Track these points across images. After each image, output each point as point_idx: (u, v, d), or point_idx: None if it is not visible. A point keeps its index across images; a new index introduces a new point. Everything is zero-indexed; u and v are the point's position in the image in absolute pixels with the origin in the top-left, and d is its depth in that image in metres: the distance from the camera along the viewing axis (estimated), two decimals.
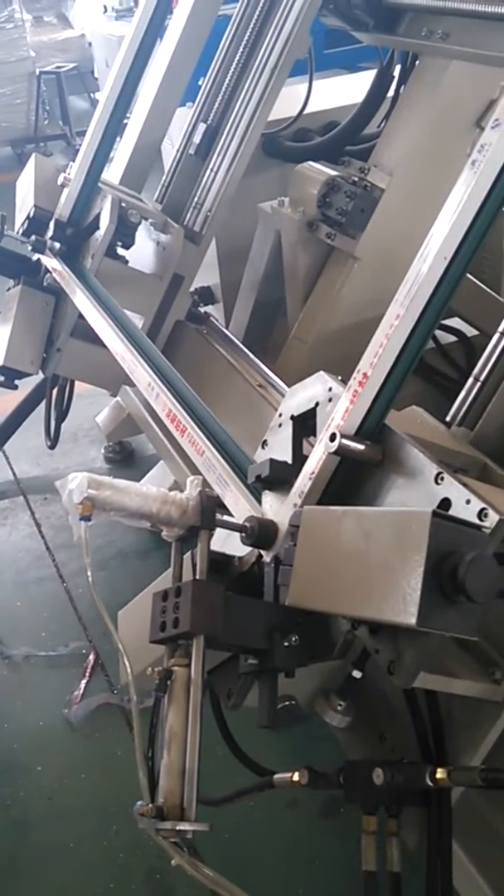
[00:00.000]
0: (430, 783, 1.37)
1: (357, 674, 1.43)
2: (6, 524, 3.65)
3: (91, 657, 2.95)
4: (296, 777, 1.49)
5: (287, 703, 1.53)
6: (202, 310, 3.13)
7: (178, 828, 1.24)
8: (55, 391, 3.19)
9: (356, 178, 2.71)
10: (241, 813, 2.34)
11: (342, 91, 3.45)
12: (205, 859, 1.31)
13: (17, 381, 2.94)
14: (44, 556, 3.44)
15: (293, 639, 1.41)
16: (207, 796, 1.59)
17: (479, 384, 1.81)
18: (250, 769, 1.72)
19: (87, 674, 2.90)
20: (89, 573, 1.44)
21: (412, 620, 1.11)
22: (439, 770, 1.36)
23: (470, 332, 3.13)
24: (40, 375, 3.05)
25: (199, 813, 1.29)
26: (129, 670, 1.38)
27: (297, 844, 2.33)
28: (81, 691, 2.83)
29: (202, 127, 2.90)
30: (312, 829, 2.36)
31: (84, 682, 2.87)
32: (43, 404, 3.29)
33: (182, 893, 2.24)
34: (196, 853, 1.33)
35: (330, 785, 1.49)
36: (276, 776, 1.54)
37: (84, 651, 2.98)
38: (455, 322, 3.15)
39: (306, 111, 3.17)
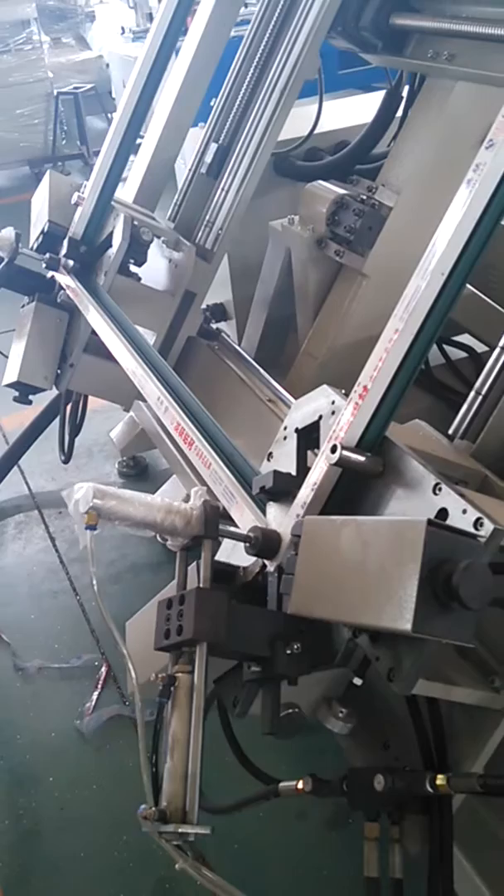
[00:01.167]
0: (430, 790, 1.39)
1: (358, 681, 1.45)
2: (21, 538, 3.70)
3: (103, 669, 2.98)
4: (300, 785, 1.52)
5: (290, 710, 1.55)
6: (214, 326, 3.18)
7: (180, 830, 1.26)
8: (69, 406, 3.23)
9: (364, 197, 2.74)
10: (250, 823, 2.36)
11: (352, 111, 3.49)
12: (212, 865, 1.34)
13: (31, 397, 2.99)
14: (58, 569, 3.49)
15: (295, 647, 1.43)
16: (214, 804, 1.62)
17: (480, 398, 1.84)
18: (256, 777, 1.75)
19: (100, 686, 2.93)
20: (94, 582, 1.47)
21: (408, 626, 1.14)
22: (439, 777, 1.38)
23: (480, 347, 3.16)
24: (54, 391, 3.10)
25: (206, 820, 1.31)
26: (134, 676, 1.42)
27: (305, 855, 2.34)
28: (93, 703, 2.86)
29: (213, 147, 2.95)
30: (320, 840, 2.37)
31: (96, 693, 2.90)
32: (57, 419, 3.34)
33: None
34: (203, 859, 1.36)
35: (333, 792, 1.51)
36: (282, 784, 1.56)
37: (96, 663, 3.01)
38: (465, 338, 3.19)
39: (317, 131, 3.21)
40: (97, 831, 2.48)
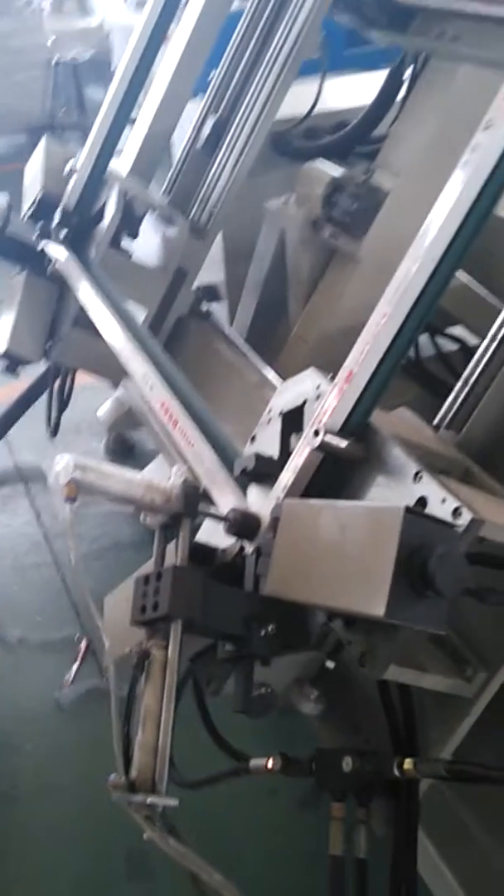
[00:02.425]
0: (397, 773, 1.41)
1: (330, 664, 1.47)
2: (6, 510, 3.70)
3: (83, 643, 2.99)
4: (270, 763, 1.53)
5: (263, 690, 1.56)
6: (205, 307, 3.16)
7: (148, 801, 1.28)
8: (57, 381, 3.22)
9: (362, 179, 2.72)
10: (222, 800, 2.38)
11: (354, 91, 3.45)
12: (183, 836, 1.35)
13: (19, 370, 2.97)
14: (42, 543, 3.49)
15: (270, 628, 1.44)
16: (185, 779, 1.64)
17: (467, 388, 1.84)
18: (228, 754, 1.76)
19: (79, 659, 2.95)
20: (72, 554, 1.48)
21: (380, 612, 1.15)
22: (406, 761, 1.40)
23: (472, 341, 3.15)
24: (43, 364, 3.08)
25: (176, 794, 1.32)
26: (107, 647, 1.42)
27: (275, 832, 2.37)
28: (73, 675, 2.89)
29: (211, 120, 2.92)
30: (291, 818, 2.40)
31: (76, 666, 2.92)
32: (45, 394, 3.33)
33: (162, 874, 2.28)
34: (175, 831, 1.37)
35: (302, 772, 1.53)
36: (252, 762, 1.58)
37: (77, 637, 3.03)
38: (458, 330, 3.17)
39: (317, 110, 3.18)
40: (73, 800, 2.51)
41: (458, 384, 1.85)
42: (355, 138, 3.08)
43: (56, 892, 2.28)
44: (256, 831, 2.38)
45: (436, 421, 1.86)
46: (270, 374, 2.62)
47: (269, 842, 2.35)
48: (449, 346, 3.15)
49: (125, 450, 3.95)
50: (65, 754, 2.65)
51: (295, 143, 3.21)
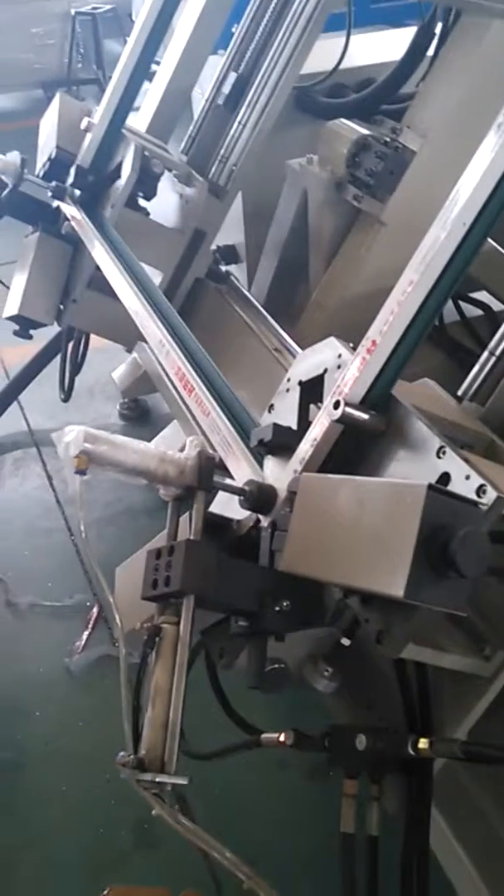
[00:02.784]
0: (412, 752, 1.38)
1: (346, 641, 1.43)
2: (18, 474, 3.67)
3: (94, 610, 2.98)
4: (282, 738, 1.51)
5: (276, 666, 1.53)
6: (224, 269, 3.09)
7: (157, 780, 1.25)
8: (70, 344, 3.17)
9: (388, 139, 2.63)
10: (232, 770, 2.36)
11: (381, 47, 3.35)
12: (192, 810, 1.34)
13: (32, 332, 2.92)
14: (54, 508, 3.47)
15: (285, 604, 1.41)
16: (196, 750, 1.63)
17: (494, 359, 1.77)
18: (240, 727, 1.75)
19: (90, 626, 2.94)
20: (83, 527, 1.44)
21: (400, 592, 1.10)
22: (421, 740, 1.37)
23: (497, 306, 3.07)
24: (56, 327, 3.03)
25: (187, 766, 1.30)
26: (119, 623, 1.39)
27: (284, 804, 2.36)
28: (83, 642, 2.88)
29: (233, 76, 2.83)
30: (300, 790, 2.39)
31: (86, 633, 2.91)
32: (59, 357, 3.28)
33: (169, 842, 2.29)
34: (185, 804, 1.36)
35: (314, 747, 1.51)
36: (264, 735, 1.57)
37: (88, 604, 3.02)
38: (482, 296, 3.10)
39: (343, 66, 3.08)
40: (81, 767, 2.51)
41: (484, 354, 1.79)
42: (381, 96, 2.97)
43: (64, 860, 2.29)
44: (266, 802, 2.37)
45: (459, 392, 1.80)
46: (289, 340, 2.56)
47: (279, 813, 2.34)
48: (473, 312, 3.07)
49: (140, 414, 3.91)
50: (74, 721, 2.64)
51: (319, 100, 3.11)
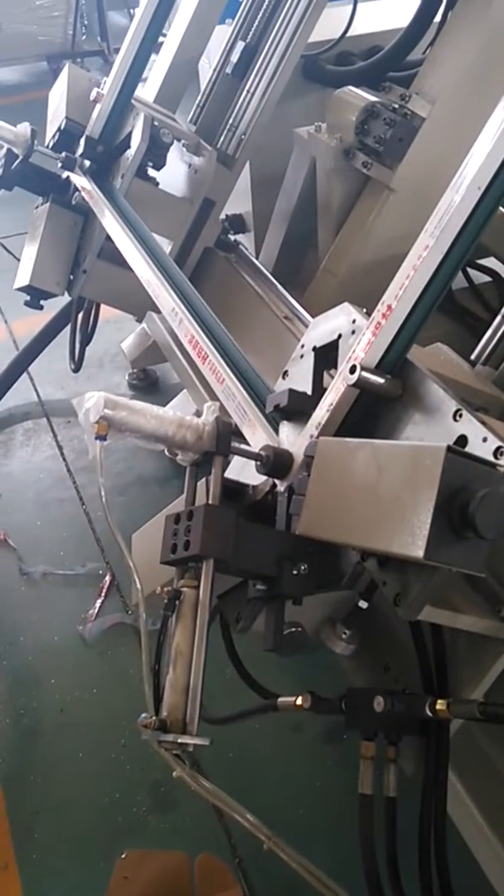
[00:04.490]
0: (429, 714, 1.40)
1: (363, 604, 1.45)
2: (29, 445, 3.69)
3: (107, 578, 3.01)
4: (299, 701, 1.52)
5: (293, 629, 1.55)
6: (232, 238, 3.08)
7: (179, 741, 1.27)
8: (80, 314, 3.17)
9: (396, 106, 2.61)
10: (247, 734, 2.41)
11: (388, 14, 3.31)
12: (207, 774, 1.36)
13: (43, 303, 2.93)
14: (65, 477, 3.49)
15: (302, 567, 1.42)
16: (212, 715, 1.64)
17: None
18: (255, 691, 1.77)
19: (103, 594, 2.96)
20: (103, 492, 1.45)
21: (420, 553, 1.12)
22: (439, 701, 1.38)
23: None
24: (67, 297, 3.03)
25: (204, 730, 1.32)
26: (139, 588, 1.41)
27: (300, 767, 2.39)
28: (96, 610, 2.90)
29: (240, 46, 2.81)
30: (315, 753, 2.42)
31: (99, 601, 2.93)
32: (69, 327, 3.28)
33: (185, 806, 2.32)
34: (199, 768, 1.38)
35: (332, 710, 1.52)
36: (280, 699, 1.57)
37: (100, 572, 3.04)
38: (490, 262, 3.09)
39: (349, 34, 3.05)
40: (96, 733, 2.54)
41: (497, 319, 1.79)
42: (389, 64, 2.94)
43: (81, 825, 2.32)
44: (281, 766, 2.40)
45: (472, 356, 1.81)
46: (298, 308, 2.56)
47: (294, 776, 2.37)
48: (481, 279, 3.07)
49: (149, 384, 3.92)
50: (88, 689, 2.67)
51: (326, 68, 3.09)
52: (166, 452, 1.55)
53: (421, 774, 1.50)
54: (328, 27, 2.96)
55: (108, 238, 2.60)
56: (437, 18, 2.77)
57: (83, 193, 2.71)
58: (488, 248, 2.94)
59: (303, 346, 1.66)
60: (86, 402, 1.38)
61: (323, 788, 2.34)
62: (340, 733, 2.41)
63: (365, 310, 1.55)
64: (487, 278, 3.10)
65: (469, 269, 3.04)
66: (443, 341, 1.92)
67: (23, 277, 2.81)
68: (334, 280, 2.84)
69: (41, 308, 2.92)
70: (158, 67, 2.98)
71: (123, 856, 2.22)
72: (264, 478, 1.56)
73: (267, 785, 2.37)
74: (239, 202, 3.17)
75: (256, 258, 3.06)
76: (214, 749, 1.34)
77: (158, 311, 2.45)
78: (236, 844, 2.23)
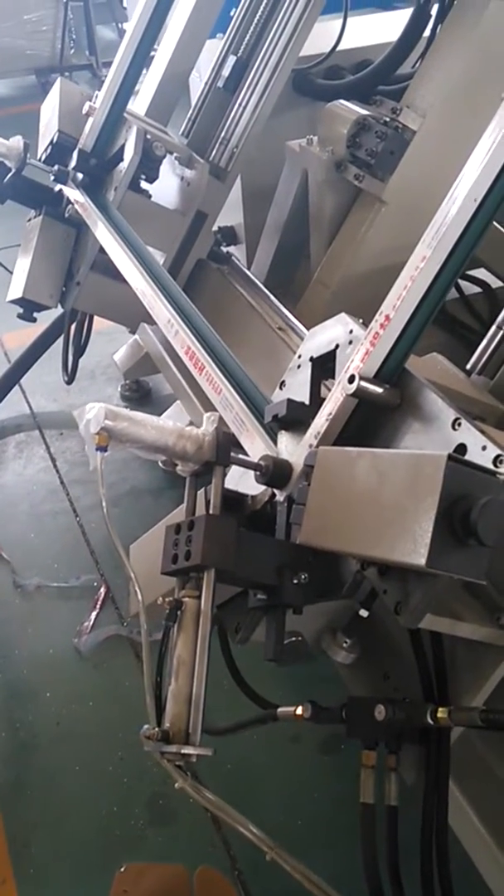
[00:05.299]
0: (430, 721, 1.40)
1: (364, 613, 1.45)
2: (22, 457, 3.68)
3: (102, 590, 3.00)
4: (299, 711, 1.52)
5: (294, 639, 1.55)
6: (225, 249, 3.10)
7: (182, 751, 1.27)
8: (73, 326, 3.17)
9: (387, 119, 2.64)
10: (245, 745, 2.40)
11: (377, 29, 3.34)
12: (207, 785, 1.35)
13: (36, 315, 2.93)
14: (58, 490, 3.48)
15: (303, 576, 1.43)
16: (211, 726, 1.64)
17: (501, 332, 1.79)
18: (254, 702, 1.77)
19: (98, 606, 2.95)
20: (104, 504, 1.46)
21: (422, 561, 1.12)
22: (440, 709, 1.39)
23: (495, 283, 3.09)
24: (59, 309, 3.04)
25: (204, 741, 1.32)
26: (140, 599, 1.41)
27: (298, 777, 2.39)
28: (91, 622, 2.89)
29: (232, 60, 2.83)
30: (314, 764, 2.42)
31: (94, 613, 2.92)
32: (61, 339, 3.29)
33: (184, 818, 2.31)
34: (198, 779, 1.38)
35: (332, 719, 1.52)
36: (280, 709, 1.57)
37: (95, 584, 3.03)
38: (480, 273, 3.11)
39: (339, 48, 3.08)
40: (92, 746, 2.53)
41: (492, 329, 1.81)
42: (379, 77, 2.97)
43: (79, 838, 2.31)
44: (279, 777, 2.39)
45: (468, 366, 1.82)
46: (292, 319, 2.58)
47: (293, 786, 2.37)
48: (471, 290, 3.09)
49: (141, 395, 3.92)
50: (84, 701, 2.66)
51: (317, 82, 3.11)
52: (160, 464, 1.56)
53: (422, 783, 1.50)
54: (319, 41, 2.99)
55: (102, 250, 2.61)
56: (427, 33, 2.81)
57: (76, 206, 2.72)
58: (479, 259, 2.96)
59: (300, 357, 1.67)
60: (87, 413, 1.39)
61: (320, 798, 2.33)
62: (337, 745, 2.41)
63: (361, 320, 1.57)
64: (478, 289, 3.12)
65: (460, 281, 3.06)
66: (436, 352, 1.94)
67: (16, 290, 2.81)
68: (327, 291, 2.86)
69: (34, 320, 2.92)
70: (150, 81, 3.00)
71: (122, 869, 2.21)
72: (263, 488, 1.57)
73: (265, 796, 2.36)
74: (231, 214, 3.19)
75: (249, 269, 3.08)
76: (212, 760, 1.34)
77: (152, 323, 2.46)
78: (235, 856, 2.22)
